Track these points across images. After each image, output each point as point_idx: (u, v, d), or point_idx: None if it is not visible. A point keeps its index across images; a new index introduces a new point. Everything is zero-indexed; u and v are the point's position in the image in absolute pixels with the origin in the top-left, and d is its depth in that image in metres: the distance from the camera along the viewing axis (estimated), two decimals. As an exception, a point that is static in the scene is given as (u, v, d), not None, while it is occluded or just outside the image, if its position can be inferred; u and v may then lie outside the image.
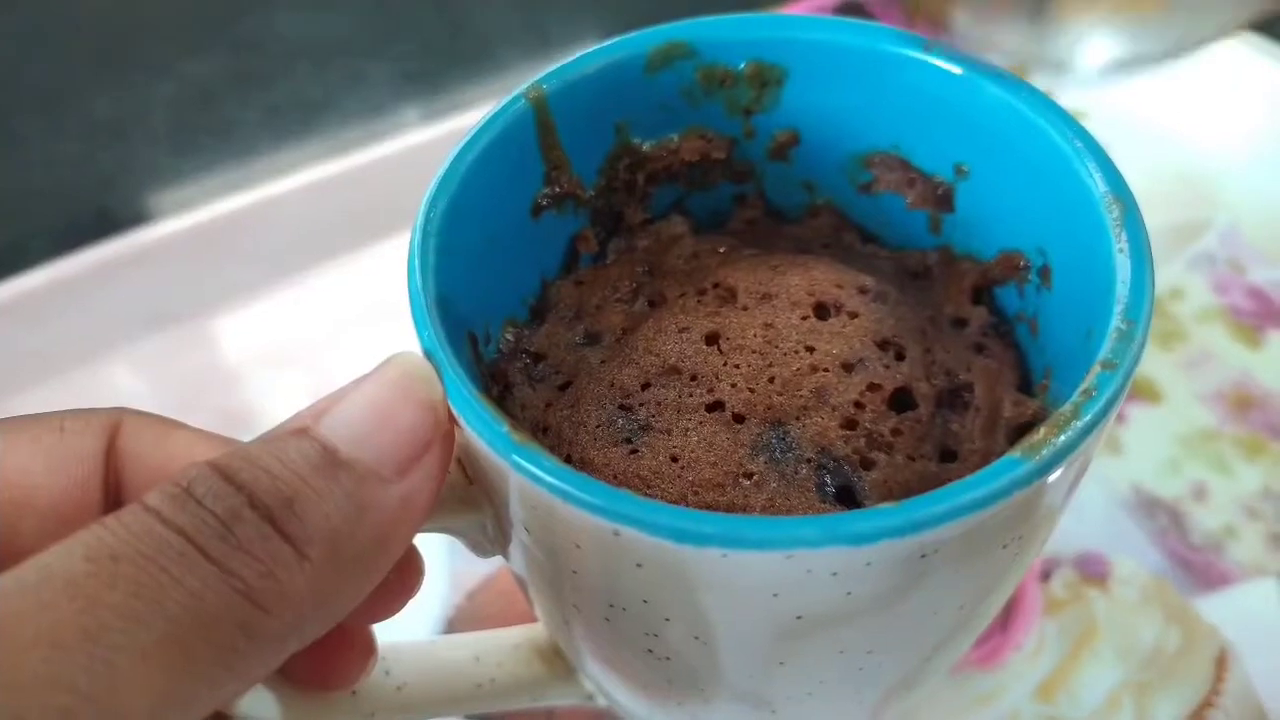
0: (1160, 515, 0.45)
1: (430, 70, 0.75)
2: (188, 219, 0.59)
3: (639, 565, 0.21)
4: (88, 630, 0.17)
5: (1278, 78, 0.59)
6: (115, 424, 0.24)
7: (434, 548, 0.48)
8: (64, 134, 0.69)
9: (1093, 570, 0.43)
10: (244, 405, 0.53)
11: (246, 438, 0.21)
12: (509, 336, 0.29)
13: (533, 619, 0.32)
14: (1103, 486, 0.46)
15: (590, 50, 0.29)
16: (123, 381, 0.54)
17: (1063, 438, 0.21)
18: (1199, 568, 0.43)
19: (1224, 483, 0.45)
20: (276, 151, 0.69)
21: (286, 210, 0.60)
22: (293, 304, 0.58)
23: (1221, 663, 0.41)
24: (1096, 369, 0.22)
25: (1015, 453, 0.21)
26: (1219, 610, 0.42)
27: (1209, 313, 0.51)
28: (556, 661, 0.31)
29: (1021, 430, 0.27)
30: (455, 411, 0.22)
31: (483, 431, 0.22)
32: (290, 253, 0.59)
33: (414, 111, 0.73)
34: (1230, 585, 0.43)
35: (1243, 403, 0.48)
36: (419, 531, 0.22)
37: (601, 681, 0.29)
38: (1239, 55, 0.60)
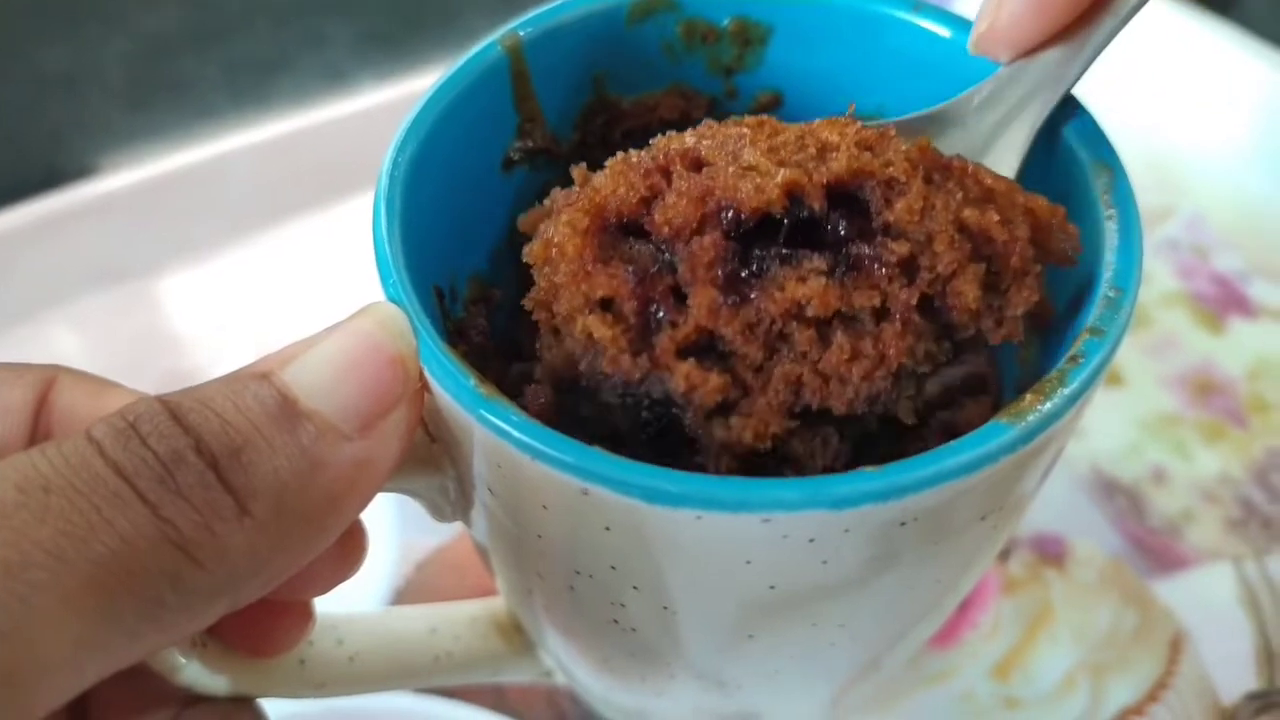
0: (1119, 497, 0.45)
1: (392, 31, 0.73)
2: (137, 173, 0.57)
3: (608, 528, 0.21)
4: (9, 564, 0.16)
5: (1243, 66, 0.59)
6: (49, 380, 0.23)
7: (383, 517, 0.47)
8: (11, 86, 0.66)
9: (1050, 551, 0.43)
10: (192, 368, 0.52)
11: None
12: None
13: (485, 592, 0.31)
14: (1062, 467, 0.46)
15: (569, -1, 0.28)
16: (65, 341, 0.52)
17: (1048, 404, 0.20)
18: (1156, 551, 0.43)
19: (1183, 467, 0.45)
20: (233, 111, 0.67)
21: (240, 167, 0.58)
22: (244, 265, 0.56)
23: (1176, 646, 0.41)
24: (1084, 335, 0.22)
25: (1001, 418, 0.20)
26: (1175, 593, 0.42)
27: (1172, 298, 0.51)
28: (515, 636, 0.30)
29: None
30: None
31: (448, 384, 0.21)
32: (243, 211, 0.58)
33: (374, 72, 0.71)
34: (1187, 569, 0.43)
35: (1204, 388, 0.48)
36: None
37: (561, 656, 0.29)
38: (1205, 44, 0.61)
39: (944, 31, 0.27)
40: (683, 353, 0.21)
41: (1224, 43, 0.60)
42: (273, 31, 0.71)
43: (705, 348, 0.21)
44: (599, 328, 0.21)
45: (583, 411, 0.22)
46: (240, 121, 0.65)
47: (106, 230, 0.55)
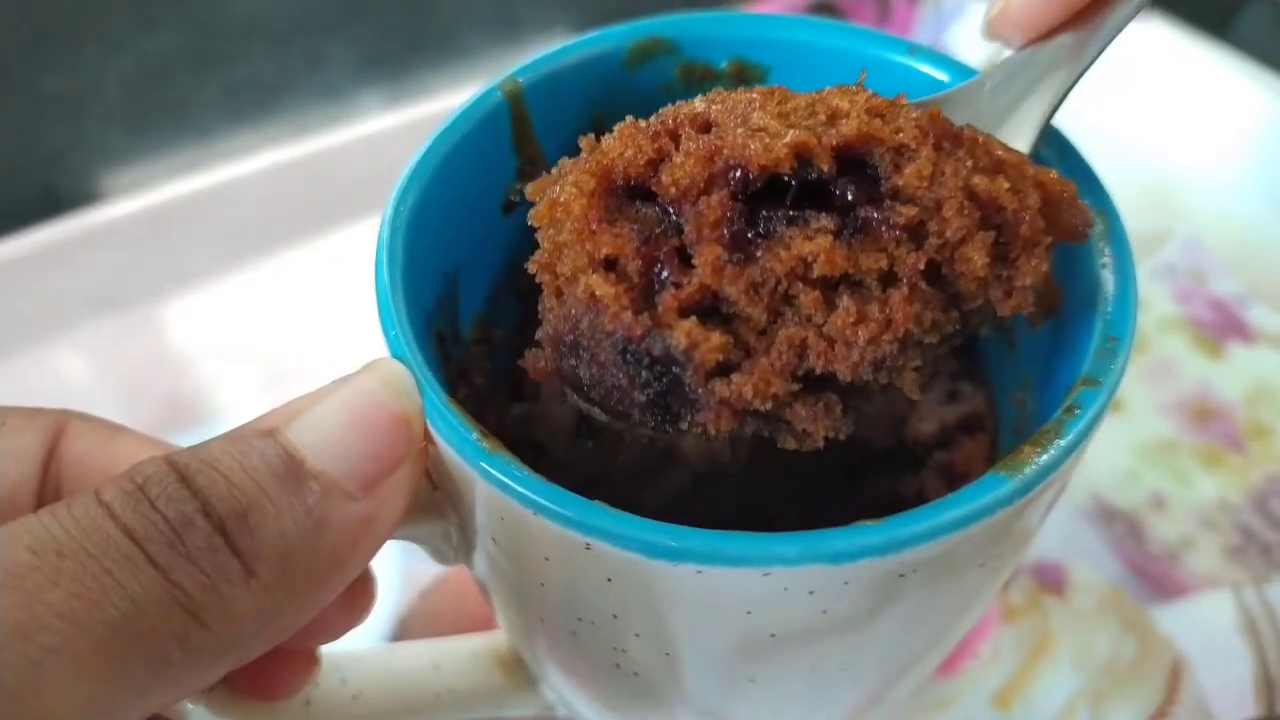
0: (1118, 524, 0.45)
1: (392, 53, 0.73)
2: (138, 200, 0.57)
3: (610, 580, 0.21)
4: (22, 627, 0.16)
5: (1238, 88, 0.59)
6: (60, 426, 0.23)
7: (387, 545, 0.47)
8: (11, 108, 0.66)
9: (1050, 578, 0.44)
10: (192, 395, 0.52)
11: (194, 428, 0.20)
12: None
13: (488, 619, 0.31)
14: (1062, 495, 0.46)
15: (569, 43, 0.28)
16: (68, 367, 0.52)
17: (1045, 456, 0.21)
18: (1156, 578, 0.43)
19: (1182, 493, 0.46)
20: (232, 133, 0.67)
21: (242, 195, 0.59)
22: (245, 292, 0.57)
23: (1176, 674, 0.41)
24: (1079, 386, 0.22)
25: (999, 470, 0.20)
26: (1174, 621, 0.42)
27: (1170, 322, 0.51)
28: (518, 671, 0.30)
29: None
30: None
31: (451, 438, 0.21)
32: (244, 239, 0.58)
33: (375, 96, 0.71)
34: (1186, 596, 0.43)
35: (1202, 413, 0.48)
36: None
37: (565, 693, 0.29)
38: (1201, 67, 0.61)
39: (942, 75, 0.27)
40: (685, 313, 0.21)
41: (1220, 65, 0.60)
42: (273, 54, 0.71)
43: (709, 311, 0.21)
44: (602, 285, 0.21)
45: (581, 374, 0.22)
46: (240, 144, 0.65)
47: (108, 257, 0.55)
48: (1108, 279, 0.23)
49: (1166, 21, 0.62)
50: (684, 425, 0.22)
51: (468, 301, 0.28)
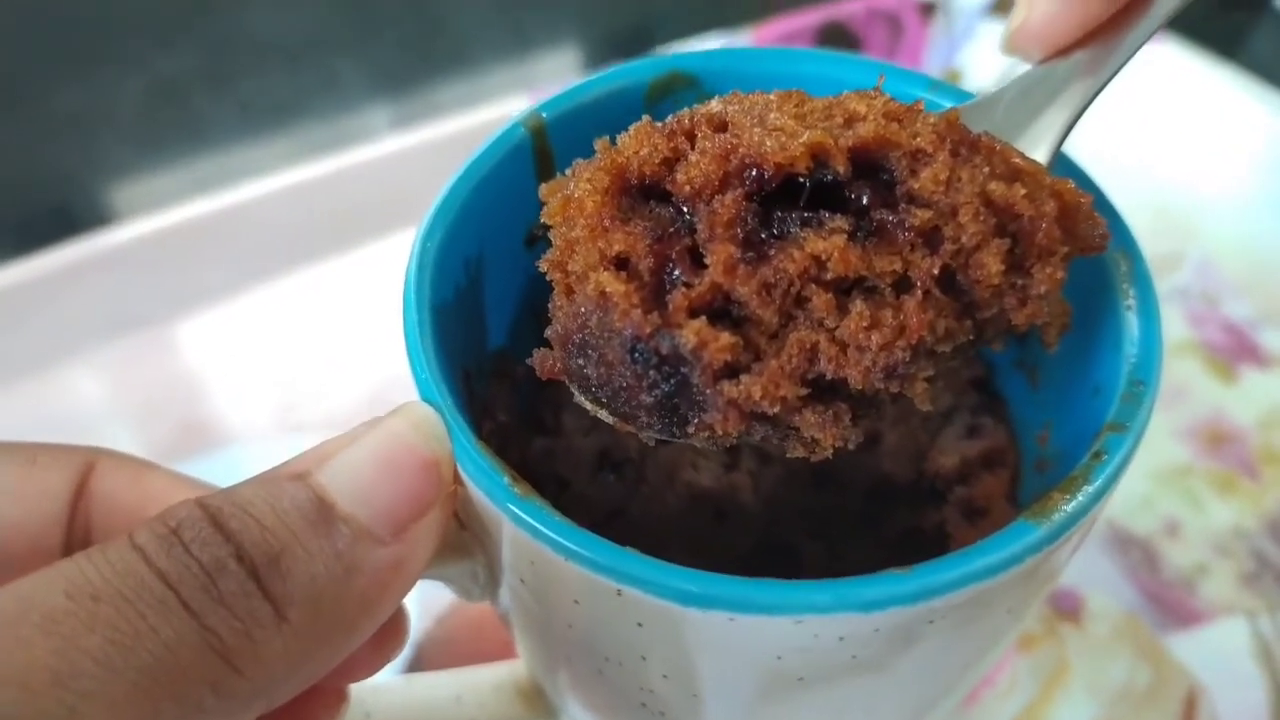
0: (1133, 551, 0.45)
1: (405, 70, 0.74)
2: (152, 221, 0.57)
3: (640, 624, 0.21)
4: (59, 674, 0.16)
5: (1250, 110, 0.60)
6: (90, 463, 0.23)
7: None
8: (23, 126, 0.67)
9: (1065, 606, 0.44)
10: (208, 416, 0.52)
11: (209, 450, 0.20)
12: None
13: (506, 645, 0.31)
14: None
15: (590, 79, 0.28)
16: (83, 390, 0.52)
17: (1073, 503, 0.21)
18: (1170, 605, 0.43)
19: (1196, 519, 0.46)
20: (246, 150, 0.67)
21: (256, 214, 0.59)
22: (261, 311, 0.57)
23: (1191, 702, 0.41)
24: (1106, 432, 0.22)
25: (1027, 518, 0.20)
26: (1189, 648, 0.42)
27: (1184, 346, 0.51)
28: (538, 702, 0.30)
29: None
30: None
31: (482, 482, 0.21)
32: (259, 258, 0.58)
33: (387, 112, 0.72)
34: (1201, 623, 0.43)
35: (1215, 439, 0.48)
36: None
37: (586, 727, 0.29)
38: (1212, 88, 0.61)
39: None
40: (696, 313, 0.21)
41: (1231, 86, 0.60)
42: (285, 72, 0.72)
43: (720, 313, 0.21)
44: (612, 283, 0.21)
45: (589, 373, 0.22)
46: (253, 161, 0.66)
47: (123, 279, 0.55)
48: (1132, 321, 0.23)
49: (1177, 42, 0.62)
50: (691, 429, 0.21)
51: (490, 334, 0.28)
